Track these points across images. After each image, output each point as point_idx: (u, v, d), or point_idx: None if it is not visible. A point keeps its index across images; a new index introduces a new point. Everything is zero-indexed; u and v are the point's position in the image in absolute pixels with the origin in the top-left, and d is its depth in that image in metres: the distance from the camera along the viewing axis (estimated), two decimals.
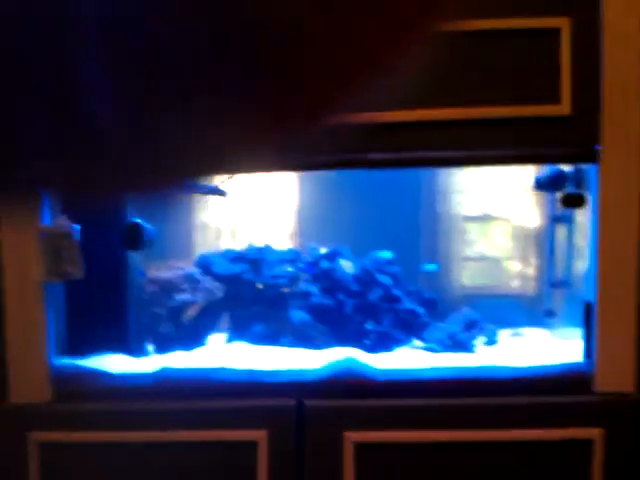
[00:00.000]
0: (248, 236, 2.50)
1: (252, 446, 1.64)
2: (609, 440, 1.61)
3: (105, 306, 1.91)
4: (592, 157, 1.64)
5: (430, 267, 2.42)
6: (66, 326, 1.87)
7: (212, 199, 2.44)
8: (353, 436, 1.63)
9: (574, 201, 1.86)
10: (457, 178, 2.52)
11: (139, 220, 1.90)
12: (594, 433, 1.61)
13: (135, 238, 1.89)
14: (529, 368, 1.73)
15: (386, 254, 2.34)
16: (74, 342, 1.87)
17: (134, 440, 1.65)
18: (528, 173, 2.46)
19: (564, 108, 1.61)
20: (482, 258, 2.63)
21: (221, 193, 2.23)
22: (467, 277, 2.57)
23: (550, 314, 2.24)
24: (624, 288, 1.63)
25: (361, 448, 1.64)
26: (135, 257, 2.00)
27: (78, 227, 1.76)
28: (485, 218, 2.62)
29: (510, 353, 1.94)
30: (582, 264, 2.03)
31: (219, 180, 2.13)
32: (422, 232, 2.49)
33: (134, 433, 1.65)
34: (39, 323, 1.69)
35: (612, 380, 1.64)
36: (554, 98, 1.61)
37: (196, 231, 2.51)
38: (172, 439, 1.65)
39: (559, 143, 1.63)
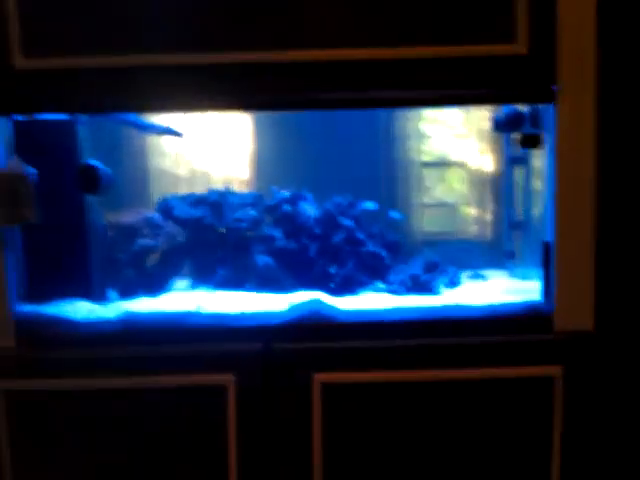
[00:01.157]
0: (207, 180, 2.46)
1: (220, 390, 1.65)
2: (569, 377, 1.67)
3: (65, 251, 1.85)
4: (549, 97, 1.65)
5: (394, 214, 2.42)
6: (27, 272, 1.82)
7: (171, 141, 2.37)
8: (321, 377, 1.65)
9: (531, 141, 1.87)
10: (415, 124, 2.51)
11: (95, 162, 1.84)
12: (554, 371, 1.67)
13: (91, 180, 1.83)
14: (489, 307, 1.77)
15: (369, 205, 2.35)
16: (35, 288, 1.83)
17: (100, 387, 1.64)
18: (484, 116, 2.48)
19: (521, 47, 1.61)
20: (441, 204, 2.65)
21: (176, 134, 2.17)
22: (427, 223, 2.59)
23: (510, 255, 2.29)
24: (582, 227, 1.67)
25: (328, 389, 1.66)
26: (93, 201, 1.94)
27: (34, 170, 1.69)
28: (442, 164, 2.63)
29: (471, 294, 1.98)
30: (540, 206, 2.07)
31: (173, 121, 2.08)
32: (381, 178, 2.49)
33: (99, 380, 1.64)
34: None
35: (571, 319, 1.69)
36: (510, 37, 1.61)
37: (154, 176, 2.45)
38: (138, 385, 1.64)
39: (516, 83, 1.64)
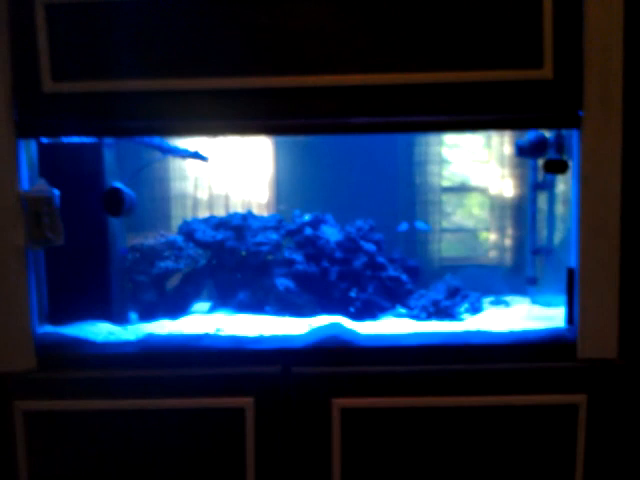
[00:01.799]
0: (229, 203, 2.48)
1: (239, 413, 1.64)
2: (592, 405, 1.64)
3: (87, 273, 1.87)
4: (575, 122, 1.63)
5: (422, 225, 2.42)
6: (48, 294, 1.84)
7: (193, 164, 2.40)
8: (340, 402, 1.64)
9: (556, 166, 1.85)
10: (436, 149, 2.51)
11: (120, 185, 1.86)
12: (578, 399, 1.64)
13: (116, 203, 1.85)
14: (512, 334, 1.75)
15: (421, 224, 2.36)
16: (57, 310, 1.85)
17: (119, 408, 1.64)
18: (507, 141, 2.48)
19: (547, 72, 1.60)
20: (460, 229, 2.65)
21: (202, 158, 2.19)
22: (448, 248, 2.59)
23: (532, 281, 2.26)
24: (607, 253, 1.64)
25: (348, 414, 1.65)
26: (116, 224, 1.96)
27: (58, 192, 1.72)
28: (464, 189, 2.63)
29: (493, 320, 1.96)
30: (563, 231, 2.05)
31: (199, 146, 2.11)
32: (400, 202, 2.49)
33: (119, 401, 1.64)
34: (21, 290, 1.65)
35: (595, 346, 1.66)
36: (537, 62, 1.60)
37: (177, 199, 2.48)
38: (158, 407, 1.64)
39: (541, 108, 1.62)
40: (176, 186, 2.48)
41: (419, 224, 2.42)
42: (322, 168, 2.43)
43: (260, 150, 2.48)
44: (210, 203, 2.50)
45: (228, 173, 2.48)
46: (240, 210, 2.29)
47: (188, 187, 2.49)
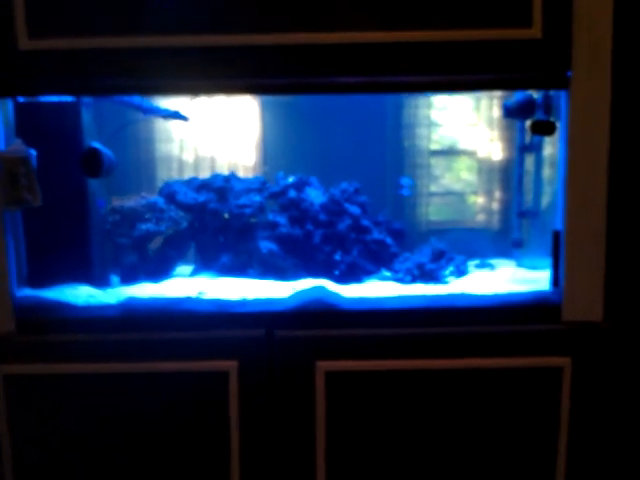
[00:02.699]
0: (216, 166, 2.44)
1: (223, 377, 1.63)
2: (577, 368, 1.65)
3: (66, 236, 1.83)
4: (563, 83, 1.61)
5: (406, 181, 2.40)
6: (27, 257, 1.81)
7: (179, 126, 2.35)
8: (324, 365, 1.63)
9: (543, 128, 1.83)
10: (424, 111, 2.47)
11: (98, 145, 1.81)
12: (562, 362, 1.64)
13: (94, 164, 1.80)
14: (497, 297, 1.74)
15: (406, 181, 2.34)
16: (36, 273, 1.81)
17: (100, 372, 1.63)
18: (496, 104, 2.45)
19: (535, 31, 1.57)
20: (449, 193, 2.63)
21: (183, 118, 2.14)
22: (435, 212, 2.57)
23: (517, 244, 2.26)
24: (594, 216, 1.63)
25: (332, 377, 1.64)
26: (96, 186, 1.92)
27: (35, 152, 1.67)
28: (451, 152, 2.60)
29: (478, 283, 1.95)
30: (550, 194, 2.04)
31: (181, 105, 2.05)
32: (388, 166, 2.46)
33: (100, 364, 1.62)
34: None
35: (580, 309, 1.66)
36: (525, 21, 1.56)
37: (159, 161, 2.43)
38: (139, 370, 1.63)
39: (530, 68, 1.60)
40: (161, 148, 2.43)
41: (404, 180, 2.40)
42: (309, 130, 2.39)
43: (247, 111, 2.43)
44: (196, 165, 2.45)
45: (214, 135, 2.43)
46: (226, 172, 2.24)
47: (174, 149, 2.44)
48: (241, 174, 2.37)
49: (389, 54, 1.58)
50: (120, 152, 2.04)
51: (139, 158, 2.41)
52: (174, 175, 2.41)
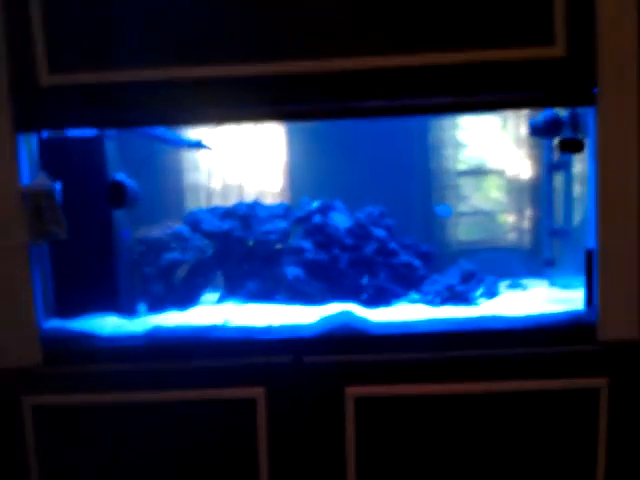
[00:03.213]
0: (237, 193, 2.45)
1: (250, 404, 1.61)
2: (614, 389, 1.59)
3: (93, 266, 1.85)
4: (590, 99, 1.58)
5: (443, 209, 2.38)
6: (54, 287, 1.82)
7: (197, 154, 2.37)
8: (354, 391, 1.60)
9: (572, 146, 1.81)
10: (451, 132, 2.46)
11: (122, 177, 1.84)
12: (599, 382, 1.59)
13: (118, 196, 1.83)
14: (530, 318, 1.70)
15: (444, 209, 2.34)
16: (63, 304, 1.82)
17: (127, 401, 1.62)
18: (522, 123, 2.42)
19: (559, 50, 1.55)
20: (477, 212, 2.59)
21: (205, 147, 2.16)
22: (464, 232, 2.54)
23: (549, 263, 2.21)
24: (626, 232, 1.59)
25: (362, 403, 1.61)
26: (121, 217, 1.94)
27: (59, 185, 1.69)
28: (479, 172, 2.58)
29: (510, 304, 1.91)
30: (580, 212, 2.00)
31: (204, 134, 2.07)
32: (415, 187, 2.44)
33: (127, 394, 1.61)
34: (25, 285, 1.63)
35: (616, 328, 1.61)
36: (548, 39, 1.55)
37: (184, 191, 2.45)
38: (167, 399, 1.61)
39: (555, 86, 1.58)
40: (189, 177, 2.46)
41: (440, 209, 2.38)
42: (336, 155, 2.38)
43: (273, 138, 2.45)
44: (224, 193, 2.47)
45: (241, 163, 2.45)
46: (253, 199, 2.25)
47: (201, 178, 2.47)
48: (268, 200, 2.38)
49: (413, 77, 1.57)
50: (148, 183, 2.06)
51: (167, 188, 2.44)
52: (202, 204, 2.42)
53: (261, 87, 1.58)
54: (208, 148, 2.15)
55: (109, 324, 1.78)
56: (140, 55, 1.59)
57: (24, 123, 1.63)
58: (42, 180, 1.66)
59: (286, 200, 2.41)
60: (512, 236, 2.47)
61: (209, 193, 2.46)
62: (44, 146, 1.80)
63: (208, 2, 1.57)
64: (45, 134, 1.80)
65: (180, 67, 1.58)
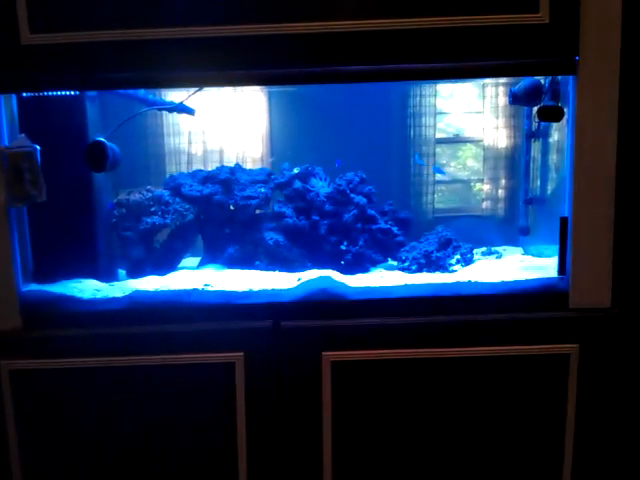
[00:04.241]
0: (224, 158, 2.43)
1: (229, 367, 1.63)
2: (585, 355, 1.63)
3: (72, 230, 1.84)
4: (571, 68, 1.58)
5: (438, 169, 2.41)
6: (33, 252, 1.81)
7: (187, 120, 2.34)
8: (330, 355, 1.63)
9: (551, 114, 1.80)
10: (429, 100, 2.46)
11: (103, 139, 1.81)
12: (570, 348, 1.63)
13: (98, 158, 1.80)
14: (503, 285, 1.73)
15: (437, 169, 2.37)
16: (42, 268, 1.82)
17: (107, 365, 1.63)
18: (501, 93, 2.43)
19: (543, 16, 1.54)
20: (455, 180, 2.62)
21: (189, 111, 2.13)
22: (441, 200, 2.56)
23: (524, 231, 2.24)
24: (601, 202, 1.61)
25: (338, 367, 1.64)
26: (102, 179, 1.92)
27: (39, 147, 1.67)
28: (458, 140, 2.59)
29: (485, 271, 1.94)
30: (557, 181, 2.02)
31: (187, 98, 2.04)
32: (394, 155, 2.45)
33: (106, 358, 1.63)
34: (4, 249, 1.63)
35: (587, 296, 1.65)
36: (532, 6, 1.53)
37: (172, 156, 2.44)
38: (146, 363, 1.63)
39: (537, 53, 1.57)
40: (170, 142, 2.44)
41: (436, 169, 2.40)
42: (316, 120, 2.38)
43: (254, 103, 2.43)
44: (204, 158, 2.46)
45: (222, 127, 2.43)
46: (234, 164, 2.24)
47: (182, 142, 2.45)
48: (249, 166, 2.37)
49: (394, 41, 1.56)
50: (129, 146, 2.04)
51: (148, 152, 2.43)
52: (183, 168, 2.41)
53: (241, 49, 1.56)
54: (192, 112, 2.12)
55: (88, 288, 1.78)
56: (119, 16, 1.55)
57: (4, 83, 1.61)
58: (22, 141, 1.64)
59: (267, 165, 2.41)
60: (488, 204, 2.50)
61: (190, 157, 2.45)
62: (24, 106, 1.77)
63: None
64: (25, 94, 1.77)
65: (160, 28, 1.55)
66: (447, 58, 1.58)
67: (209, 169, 2.25)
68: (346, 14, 1.54)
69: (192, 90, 1.97)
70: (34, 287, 1.76)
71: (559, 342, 1.63)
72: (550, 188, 2.08)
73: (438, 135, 2.50)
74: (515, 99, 2.01)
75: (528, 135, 2.24)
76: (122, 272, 2.04)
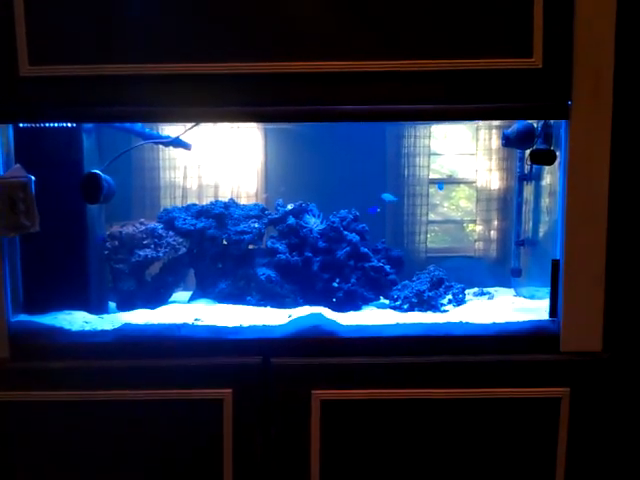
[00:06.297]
0: (219, 193, 2.44)
1: (217, 404, 1.61)
2: (575, 399, 1.62)
3: (64, 261, 1.83)
4: (563, 112, 1.60)
5: (388, 197, 2.40)
6: (24, 282, 1.80)
7: (183, 154, 2.36)
8: (320, 394, 1.62)
9: (543, 157, 1.81)
10: (423, 141, 2.49)
11: (98, 172, 1.81)
12: (561, 392, 1.62)
13: (93, 190, 1.80)
14: (495, 326, 1.73)
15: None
16: (32, 299, 1.80)
17: (94, 399, 1.61)
18: (494, 135, 2.46)
19: (536, 61, 1.56)
20: (447, 221, 2.63)
21: (185, 146, 2.15)
22: (434, 240, 2.58)
23: (516, 273, 2.24)
24: (593, 245, 1.62)
25: (328, 406, 1.62)
26: (95, 212, 1.92)
27: (34, 178, 1.67)
28: (450, 181, 2.61)
29: (476, 312, 1.94)
30: (549, 223, 2.03)
31: (183, 132, 2.06)
32: (388, 193, 2.47)
33: (95, 392, 1.61)
34: None
35: (579, 339, 1.64)
36: (526, 51, 1.56)
37: (167, 190, 2.46)
38: (133, 398, 1.61)
39: (530, 97, 1.59)
40: (166, 175, 2.46)
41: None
42: (312, 158, 2.40)
43: (250, 140, 2.45)
44: (200, 193, 2.47)
45: (218, 162, 2.45)
46: (229, 200, 2.25)
47: (178, 177, 2.47)
48: (244, 201, 2.38)
49: (386, 82, 1.58)
50: (124, 179, 2.05)
51: (144, 185, 2.44)
52: (178, 202, 2.42)
53: (237, 86, 1.58)
54: (187, 146, 2.13)
55: (78, 320, 1.77)
56: (118, 50, 1.57)
57: (1, 114, 1.62)
58: (17, 171, 1.64)
59: (262, 201, 2.42)
60: (481, 245, 2.51)
61: (185, 192, 2.46)
62: (20, 136, 1.78)
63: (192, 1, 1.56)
64: (22, 125, 1.78)
65: (159, 64, 1.57)
66: (440, 100, 1.60)
67: (203, 204, 2.25)
68: (340, 55, 1.57)
69: (188, 125, 1.99)
70: (23, 317, 1.75)
71: (550, 385, 1.63)
72: (542, 230, 2.10)
73: (432, 176, 2.52)
74: (508, 142, 2.03)
75: (520, 177, 2.25)
76: (112, 305, 2.03)
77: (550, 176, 2.01)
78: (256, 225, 2.12)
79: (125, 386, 1.61)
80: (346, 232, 2.16)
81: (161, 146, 2.30)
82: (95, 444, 1.64)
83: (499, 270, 2.41)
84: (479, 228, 2.52)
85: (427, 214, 2.50)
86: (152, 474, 1.65)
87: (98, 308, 1.90)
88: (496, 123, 2.38)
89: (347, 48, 1.57)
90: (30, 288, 1.81)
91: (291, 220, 2.16)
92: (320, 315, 1.78)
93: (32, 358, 1.63)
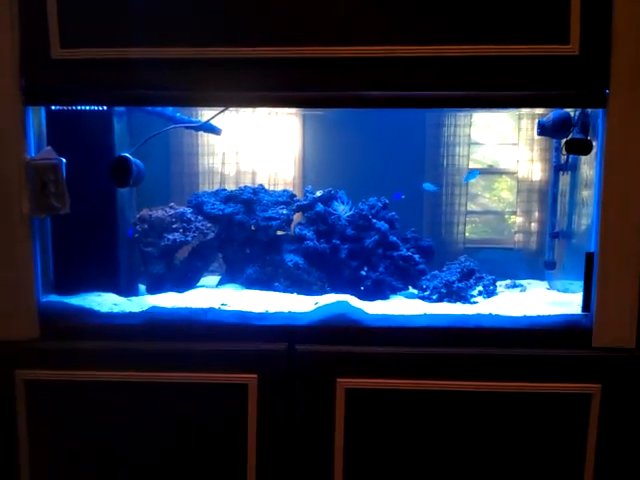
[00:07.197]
0: (256, 179, 2.45)
1: (242, 389, 1.62)
2: (606, 396, 1.59)
3: (94, 243, 1.85)
4: (601, 101, 1.56)
5: (429, 186, 2.37)
6: (54, 262, 1.83)
7: (221, 140, 2.36)
8: (345, 382, 1.61)
9: (579, 147, 1.77)
10: (463, 130, 2.45)
11: (127, 154, 1.82)
12: (592, 388, 1.59)
13: (123, 173, 1.81)
14: (525, 319, 1.69)
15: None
16: (63, 279, 1.83)
17: (119, 380, 1.62)
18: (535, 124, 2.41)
19: (573, 48, 1.52)
20: (487, 212, 2.59)
21: (215, 131, 2.14)
22: (472, 230, 2.54)
23: (550, 265, 2.20)
24: (628, 238, 1.57)
25: (352, 394, 1.61)
26: (126, 195, 1.94)
27: (65, 160, 1.68)
28: (491, 171, 2.57)
29: (507, 304, 1.91)
30: (586, 215, 1.99)
31: (212, 117, 2.05)
32: (428, 182, 2.44)
33: (120, 372, 1.62)
34: (26, 259, 1.63)
35: (611, 335, 1.60)
36: (563, 37, 1.52)
37: (205, 175, 2.47)
38: (158, 380, 1.62)
39: (567, 85, 1.55)
40: (204, 161, 2.48)
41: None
42: (350, 145, 2.39)
43: (289, 126, 2.45)
44: (237, 179, 2.48)
45: (256, 149, 2.45)
46: (267, 187, 2.25)
47: (216, 163, 2.48)
48: (280, 187, 2.38)
49: (423, 68, 1.55)
50: (163, 165, 2.04)
51: (182, 171, 2.46)
52: (216, 188, 2.42)
53: (270, 71, 1.56)
54: (218, 131, 2.13)
55: (107, 302, 1.79)
56: (151, 33, 1.57)
57: (34, 95, 1.62)
58: (48, 154, 1.66)
59: (296, 188, 2.41)
60: (518, 237, 2.47)
61: (223, 178, 2.47)
62: (52, 119, 1.80)
63: None
64: (54, 107, 1.80)
65: (194, 47, 1.56)
66: (476, 87, 1.56)
67: (230, 188, 2.26)
68: (377, 40, 1.54)
69: (218, 109, 1.98)
70: (54, 298, 1.77)
71: (581, 381, 1.59)
72: (577, 222, 2.05)
73: (472, 166, 2.48)
74: (543, 130, 1.98)
75: (556, 168, 2.20)
76: (142, 287, 2.05)
77: (586, 167, 1.97)
78: (284, 211, 2.12)
79: (149, 368, 1.62)
80: (375, 220, 2.14)
81: (200, 132, 2.30)
82: (119, 425, 1.65)
83: (535, 262, 2.37)
84: (519, 220, 2.47)
85: (466, 204, 2.47)
86: (174, 456, 1.66)
87: (128, 290, 1.92)
88: (539, 111, 2.32)
89: (382, 33, 1.54)
90: (60, 269, 1.84)
91: (319, 207, 2.15)
92: (346, 303, 1.77)
93: (61, 338, 1.66)
